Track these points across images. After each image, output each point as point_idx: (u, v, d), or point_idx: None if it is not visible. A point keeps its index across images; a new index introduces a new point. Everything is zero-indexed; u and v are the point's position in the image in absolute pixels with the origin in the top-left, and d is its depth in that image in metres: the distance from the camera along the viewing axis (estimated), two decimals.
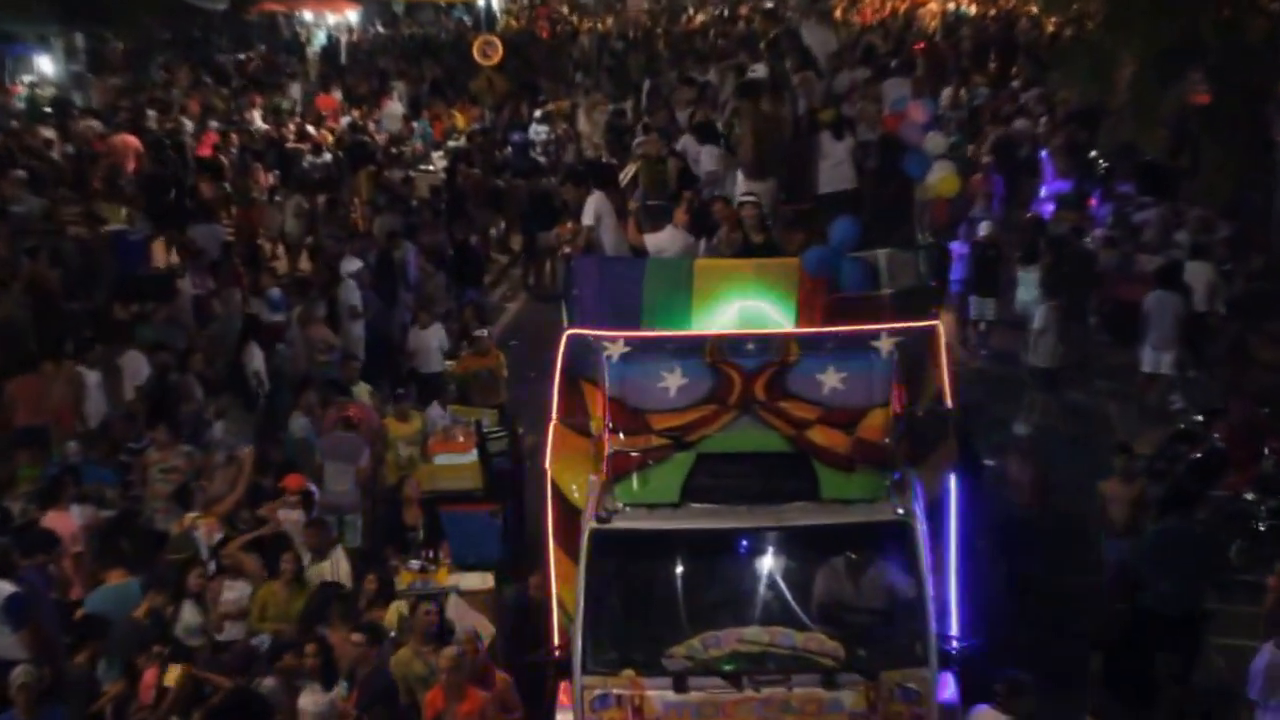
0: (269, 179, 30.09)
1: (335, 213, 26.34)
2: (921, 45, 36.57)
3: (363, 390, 18.15)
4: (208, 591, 13.68)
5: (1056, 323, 20.13)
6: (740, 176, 16.43)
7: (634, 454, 11.18)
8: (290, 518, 15.06)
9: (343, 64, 45.93)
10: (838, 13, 46.86)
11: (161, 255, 25.26)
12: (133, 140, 30.40)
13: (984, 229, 22.88)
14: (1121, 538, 14.75)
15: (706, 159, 16.75)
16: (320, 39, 52.35)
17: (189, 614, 13.41)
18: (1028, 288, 22.11)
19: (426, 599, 13.14)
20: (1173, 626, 13.49)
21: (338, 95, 38.37)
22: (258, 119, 34.89)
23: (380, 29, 55.27)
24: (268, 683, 12.46)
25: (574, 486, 11.64)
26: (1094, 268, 22.84)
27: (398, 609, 13.49)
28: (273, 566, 13.98)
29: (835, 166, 16.52)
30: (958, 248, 21.98)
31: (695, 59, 38.92)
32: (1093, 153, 28.55)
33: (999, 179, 26.84)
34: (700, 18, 54.78)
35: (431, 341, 20.25)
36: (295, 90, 38.59)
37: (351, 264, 21.65)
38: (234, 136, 32.12)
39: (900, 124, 16.83)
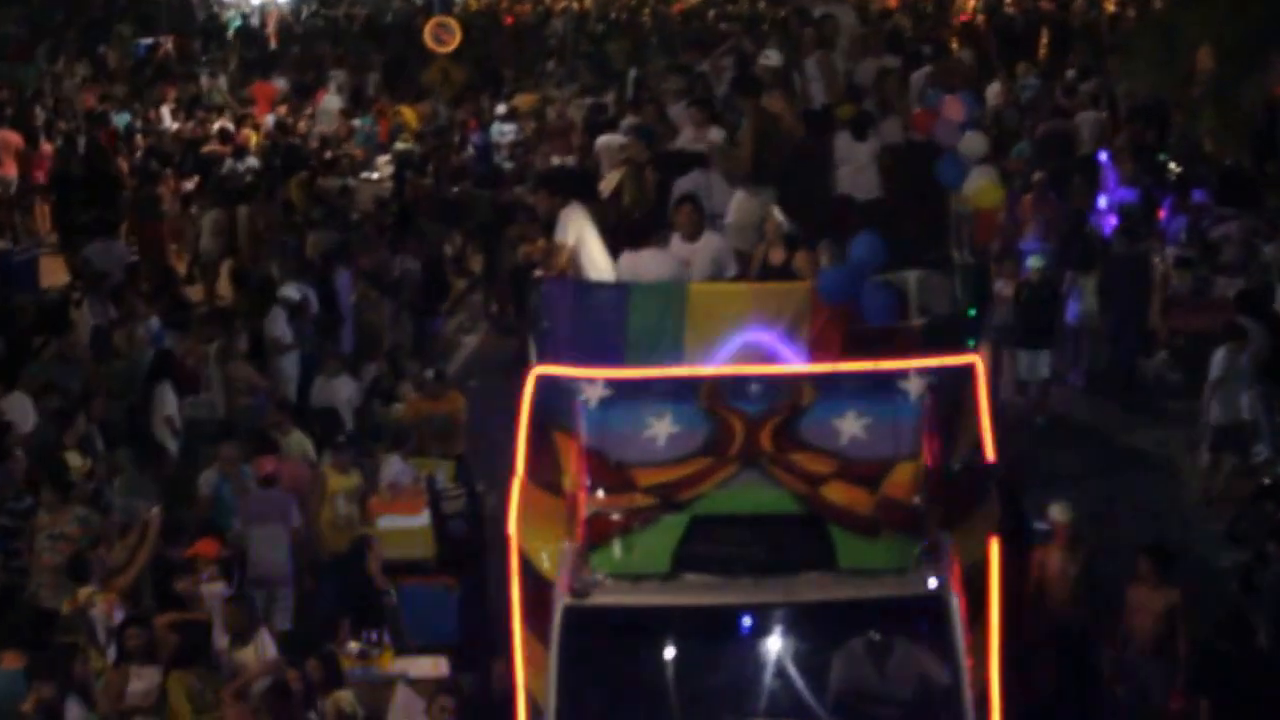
0: (181, 187, 30.15)
1: (261, 228, 26.42)
2: (963, 19, 36.57)
3: (301, 441, 18.12)
4: (105, 683, 13.66)
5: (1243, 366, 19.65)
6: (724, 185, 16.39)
7: (616, 516, 11.19)
8: (213, 590, 15.09)
9: (272, 50, 46.06)
10: None
11: (55, 278, 25.32)
12: (13, 136, 30.51)
13: (1032, 263, 22.36)
14: (1147, 657, 14.37)
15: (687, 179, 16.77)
16: (239, 22, 52.50)
17: (74, 712, 13.35)
18: (1081, 297, 22.46)
19: (446, 690, 13.17)
20: None
21: (281, 83, 38.50)
22: (167, 116, 34.99)
23: (315, 8, 55.44)
24: None
25: (544, 555, 11.63)
26: (1150, 275, 23.07)
27: (336, 702, 13.52)
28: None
29: (856, 173, 16.58)
30: (999, 287, 21.62)
31: (690, 44, 39.05)
32: (1162, 155, 28.69)
33: (1057, 200, 26.27)
34: None
35: (341, 394, 19.78)
36: (221, 82, 38.64)
37: (291, 290, 21.68)
38: (139, 138, 32.23)
39: (933, 123, 16.92)
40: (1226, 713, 13.55)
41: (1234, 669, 13.58)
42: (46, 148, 31.70)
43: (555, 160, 27.41)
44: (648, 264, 14.45)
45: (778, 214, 15.00)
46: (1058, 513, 14.79)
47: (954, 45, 32.37)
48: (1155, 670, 14.34)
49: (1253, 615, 14.67)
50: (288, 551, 16.44)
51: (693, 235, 14.60)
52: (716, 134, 16.97)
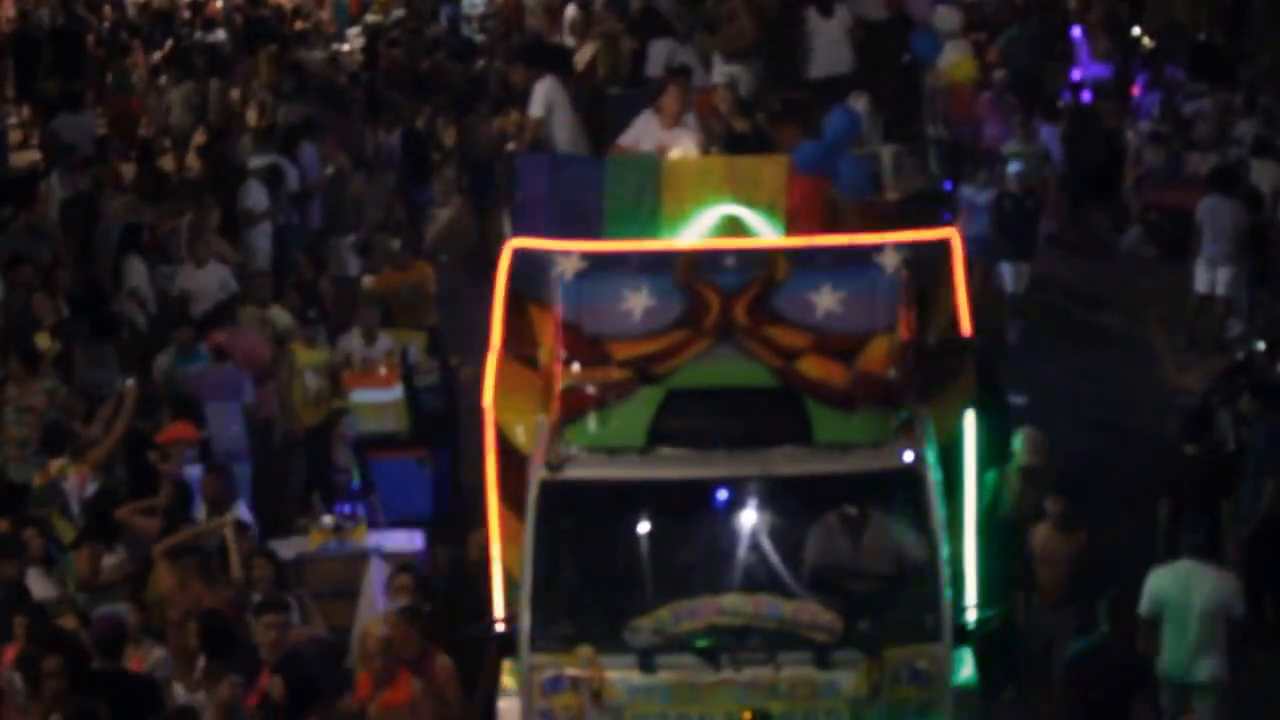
0: (150, 60, 29.86)
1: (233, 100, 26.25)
2: None
3: (279, 315, 17.97)
4: (77, 557, 13.61)
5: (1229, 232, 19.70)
6: (718, 60, 16.28)
7: (591, 389, 11.17)
8: (192, 472, 15.04)
9: None
10: None
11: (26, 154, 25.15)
12: None
13: (1015, 171, 21.55)
14: (1054, 608, 13.48)
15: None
16: None
17: (37, 585, 13.29)
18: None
19: (404, 569, 13.13)
20: None
21: None
22: None
23: None
24: (156, 654, 12.42)
25: (519, 428, 11.61)
26: (1116, 137, 23.22)
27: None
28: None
29: (828, 47, 16.42)
30: (971, 195, 20.92)
31: None
32: (1135, 30, 28.54)
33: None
34: None
35: (210, 283, 19.04)
36: None
37: (258, 159, 21.48)
38: (106, 9, 31.91)
39: None
40: None
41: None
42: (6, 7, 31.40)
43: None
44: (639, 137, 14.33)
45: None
46: (1050, 504, 13.62)
47: None
48: (1062, 622, 13.40)
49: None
50: (242, 427, 16.36)
51: (677, 120, 14.44)
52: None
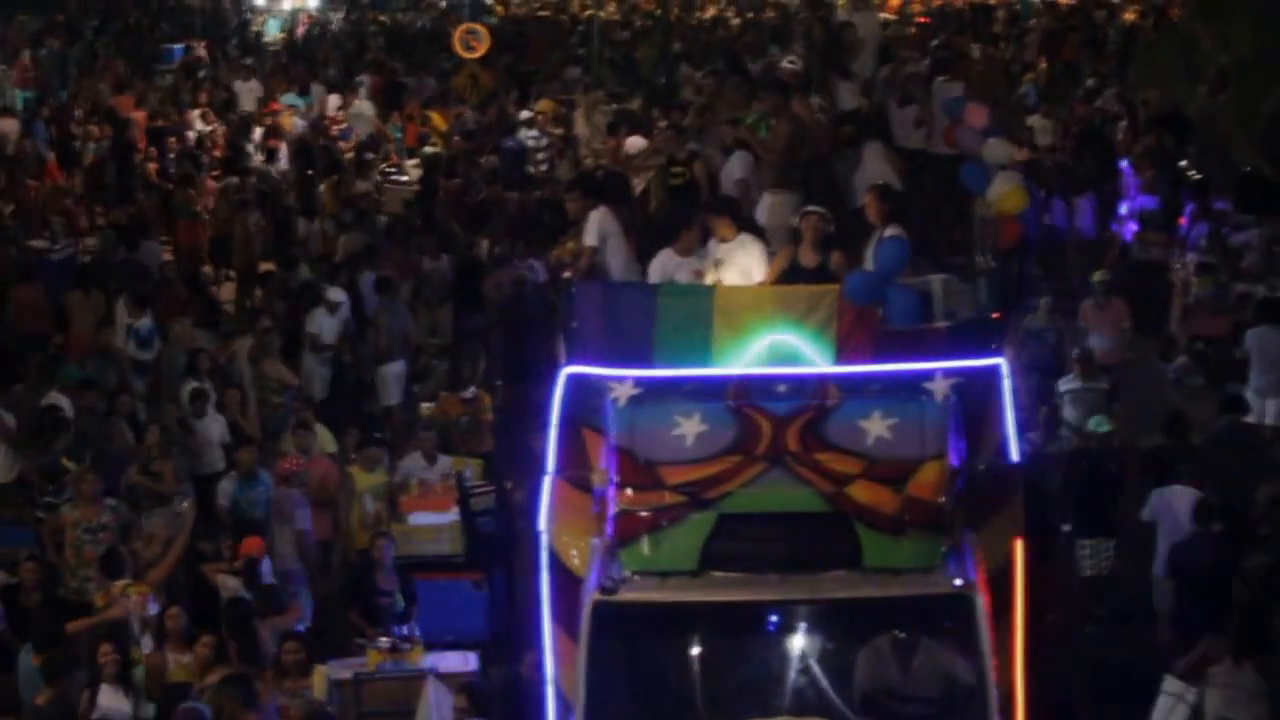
0: (213, 189, 30.18)
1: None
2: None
3: (324, 438, 18.15)
4: (145, 670, 13.72)
5: None
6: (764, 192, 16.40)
7: (644, 513, 11.18)
8: (227, 585, 15.16)
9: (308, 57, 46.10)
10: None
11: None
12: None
13: (1093, 425, 17.55)
14: None
15: (736, 165, 16.76)
16: (273, 27, 52.62)
17: (110, 700, 13.38)
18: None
19: (463, 688, 13.17)
20: None
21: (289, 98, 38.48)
22: (198, 120, 35.05)
23: (342, 17, 55.55)
24: None
25: (573, 551, 11.63)
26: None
27: (323, 674, 13.60)
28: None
29: (875, 177, 16.55)
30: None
31: (715, 52, 39.10)
32: (1182, 162, 28.62)
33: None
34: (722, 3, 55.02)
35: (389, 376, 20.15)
36: (253, 85, 38.63)
37: (336, 293, 21.71)
38: (170, 140, 32.31)
39: (955, 130, 16.90)
40: None
41: None
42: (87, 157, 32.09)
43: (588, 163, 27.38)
44: (677, 268, 14.46)
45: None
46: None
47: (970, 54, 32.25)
48: None
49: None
50: (295, 553, 16.46)
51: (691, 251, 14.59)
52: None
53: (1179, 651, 14.65)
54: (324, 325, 21.24)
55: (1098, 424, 17.27)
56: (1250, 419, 20.03)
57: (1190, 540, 15.78)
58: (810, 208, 14.77)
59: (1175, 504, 15.99)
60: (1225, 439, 17.81)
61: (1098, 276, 21.23)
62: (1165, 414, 18.13)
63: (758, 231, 15.20)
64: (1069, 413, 19.30)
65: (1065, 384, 19.53)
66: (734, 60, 24.56)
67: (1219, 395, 19.18)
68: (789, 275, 14.40)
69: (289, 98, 36.49)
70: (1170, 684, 14.05)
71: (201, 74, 40.27)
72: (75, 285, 22.86)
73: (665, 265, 14.48)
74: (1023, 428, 15.68)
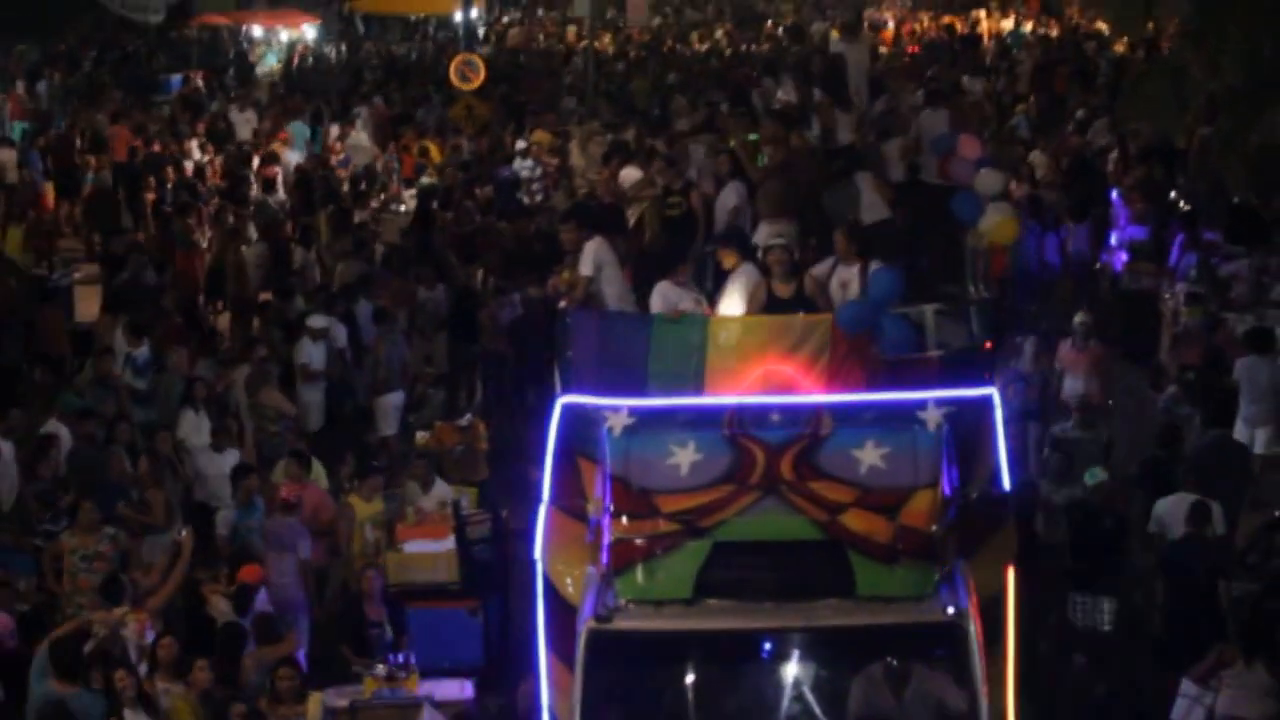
0: (209, 219, 30.22)
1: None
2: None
3: (316, 472, 18.16)
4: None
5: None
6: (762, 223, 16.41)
7: (639, 542, 11.23)
8: (219, 608, 15.19)
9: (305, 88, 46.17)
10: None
11: (90, 305, 25.40)
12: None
13: (1089, 478, 16.73)
14: None
15: (730, 194, 16.79)
16: (270, 58, 52.70)
17: None
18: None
19: (459, 717, 13.19)
20: None
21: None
22: (196, 150, 35.10)
23: (339, 48, 55.64)
24: None
25: (569, 580, 11.68)
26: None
27: (318, 701, 13.61)
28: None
29: (868, 209, 16.59)
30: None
31: (709, 83, 39.19)
32: (1172, 194, 28.68)
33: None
34: (716, 36, 55.12)
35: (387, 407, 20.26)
36: (250, 115, 38.67)
37: (319, 320, 21.74)
38: (168, 170, 32.36)
39: (947, 163, 16.95)
40: None
41: None
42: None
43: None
44: (680, 298, 14.49)
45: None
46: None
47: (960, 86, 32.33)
48: None
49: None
50: (292, 578, 16.47)
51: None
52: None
53: (1175, 651, 15.02)
54: (312, 354, 21.27)
55: (1092, 476, 16.78)
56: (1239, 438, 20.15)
57: (1184, 542, 15.90)
58: (772, 241, 14.78)
59: (1175, 511, 16.19)
60: (1212, 451, 18.17)
61: (1079, 319, 21.11)
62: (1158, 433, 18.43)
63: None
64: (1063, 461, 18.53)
65: (1060, 430, 19.14)
66: (738, 91, 24.57)
67: (1203, 413, 19.26)
68: (768, 307, 14.45)
69: (297, 126, 36.52)
70: (1187, 687, 14.35)
71: (214, 106, 40.40)
72: (104, 310, 22.85)
73: (667, 295, 14.50)
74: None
